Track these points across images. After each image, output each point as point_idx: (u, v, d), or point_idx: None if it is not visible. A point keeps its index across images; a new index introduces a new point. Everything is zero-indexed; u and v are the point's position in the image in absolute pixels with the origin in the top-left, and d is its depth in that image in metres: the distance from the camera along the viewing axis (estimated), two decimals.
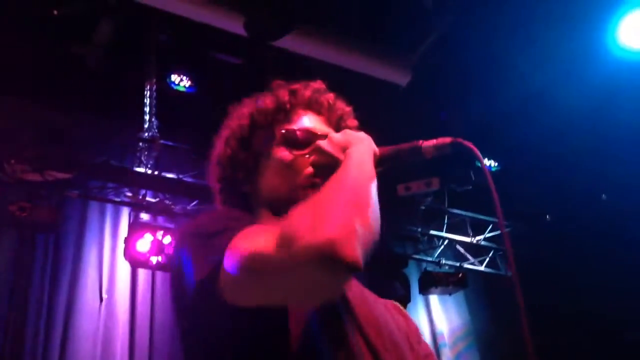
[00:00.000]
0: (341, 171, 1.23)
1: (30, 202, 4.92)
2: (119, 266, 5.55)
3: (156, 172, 5.43)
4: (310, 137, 1.45)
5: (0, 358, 4.73)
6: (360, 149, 1.31)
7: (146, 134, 5.38)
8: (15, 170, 4.93)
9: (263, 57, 5.32)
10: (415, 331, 1.58)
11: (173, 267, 1.32)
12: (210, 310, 1.19)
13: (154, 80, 5.49)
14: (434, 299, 7.30)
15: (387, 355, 1.34)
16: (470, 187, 6.71)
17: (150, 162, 5.43)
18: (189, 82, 5.69)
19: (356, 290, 1.46)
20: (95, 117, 5.49)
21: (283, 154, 1.44)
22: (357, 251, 1.04)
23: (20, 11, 5.09)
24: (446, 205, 6.92)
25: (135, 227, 5.23)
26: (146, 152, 5.42)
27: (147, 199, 5.52)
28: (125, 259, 5.23)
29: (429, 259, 7.02)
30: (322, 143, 1.39)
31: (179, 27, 5.37)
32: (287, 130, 1.46)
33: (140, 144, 5.40)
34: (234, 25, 4.91)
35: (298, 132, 1.46)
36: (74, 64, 5.42)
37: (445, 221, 6.97)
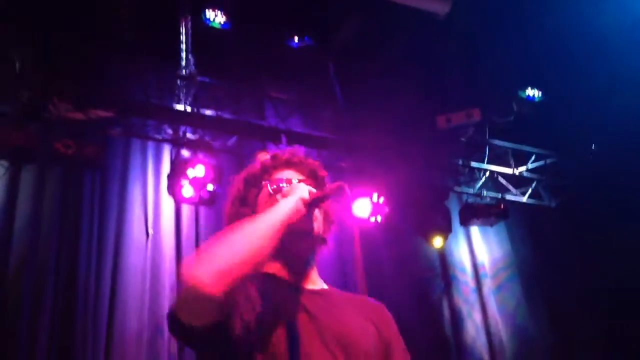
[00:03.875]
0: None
1: (74, 139, 5.01)
2: (163, 202, 5.68)
3: (195, 109, 5.45)
4: (283, 184, 1.92)
5: (55, 293, 4.94)
6: (285, 201, 1.75)
7: (184, 71, 5.39)
8: (59, 109, 5.01)
9: None
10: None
11: None
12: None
13: (189, 17, 5.44)
14: (475, 230, 7.29)
15: None
16: (512, 118, 6.58)
17: (189, 99, 5.45)
18: (224, 18, 5.63)
19: (321, 303, 1.83)
20: (134, 56, 5.51)
21: (266, 200, 1.90)
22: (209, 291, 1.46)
23: None
24: (487, 137, 6.82)
25: (177, 164, 5.31)
26: (184, 90, 5.44)
27: (187, 135, 5.57)
28: (169, 195, 5.33)
29: (470, 191, 6.97)
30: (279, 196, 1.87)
31: None
32: (266, 181, 1.95)
33: (178, 81, 5.42)
34: None
35: (273, 182, 1.93)
36: (111, 4, 5.40)
37: (487, 153, 6.88)
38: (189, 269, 1.49)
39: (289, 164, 2.00)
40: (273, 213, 1.67)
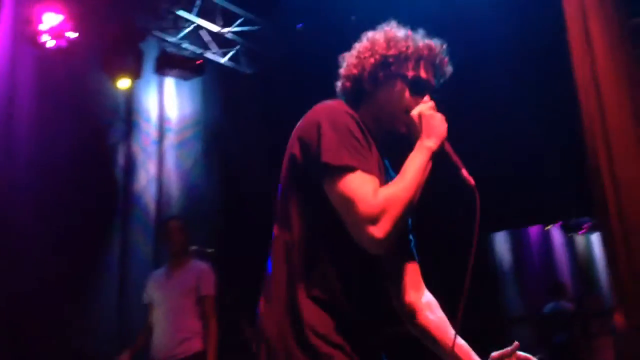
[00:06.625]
0: (412, 172, 1.75)
1: None
2: None
3: None
4: (424, 90, 1.93)
5: None
6: (428, 150, 1.81)
7: None
8: None
9: None
10: None
11: (307, 134, 1.78)
12: (311, 179, 1.75)
13: None
14: (169, 82, 7.03)
15: None
16: None
17: None
18: None
19: None
20: None
21: (404, 91, 1.92)
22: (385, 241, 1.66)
23: None
24: None
25: None
26: None
27: None
28: None
29: (171, 39, 6.63)
30: (421, 113, 1.87)
31: None
32: (415, 77, 1.93)
33: None
34: None
35: (421, 84, 1.93)
36: None
37: (196, 4, 6.54)
38: (373, 230, 1.63)
39: (434, 67, 1.97)
40: (422, 162, 1.77)
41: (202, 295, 4.64)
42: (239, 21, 6.96)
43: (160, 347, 4.59)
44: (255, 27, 7.10)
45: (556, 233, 11.41)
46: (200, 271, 4.72)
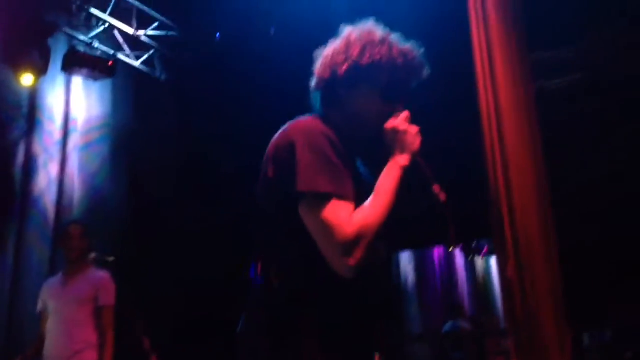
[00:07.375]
0: (384, 194, 1.78)
1: None
2: None
3: None
4: (397, 97, 1.93)
5: None
6: (400, 169, 1.84)
7: None
8: None
9: None
10: None
11: (281, 156, 1.76)
12: (288, 200, 1.71)
13: None
14: (77, 81, 6.77)
15: None
16: None
17: None
18: None
19: None
20: None
21: (376, 98, 1.91)
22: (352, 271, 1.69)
23: None
24: None
25: None
26: None
27: None
28: None
29: (82, 37, 6.40)
30: (395, 127, 1.89)
31: None
32: (389, 85, 1.91)
33: None
34: None
35: (395, 91, 1.92)
36: None
37: (110, 3, 6.36)
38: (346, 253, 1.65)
39: (409, 73, 1.97)
40: (394, 182, 1.80)
41: (100, 305, 4.46)
42: (154, 25, 6.82)
43: (52, 358, 4.38)
44: (172, 33, 6.98)
45: (459, 254, 11.80)
46: (99, 280, 4.54)
